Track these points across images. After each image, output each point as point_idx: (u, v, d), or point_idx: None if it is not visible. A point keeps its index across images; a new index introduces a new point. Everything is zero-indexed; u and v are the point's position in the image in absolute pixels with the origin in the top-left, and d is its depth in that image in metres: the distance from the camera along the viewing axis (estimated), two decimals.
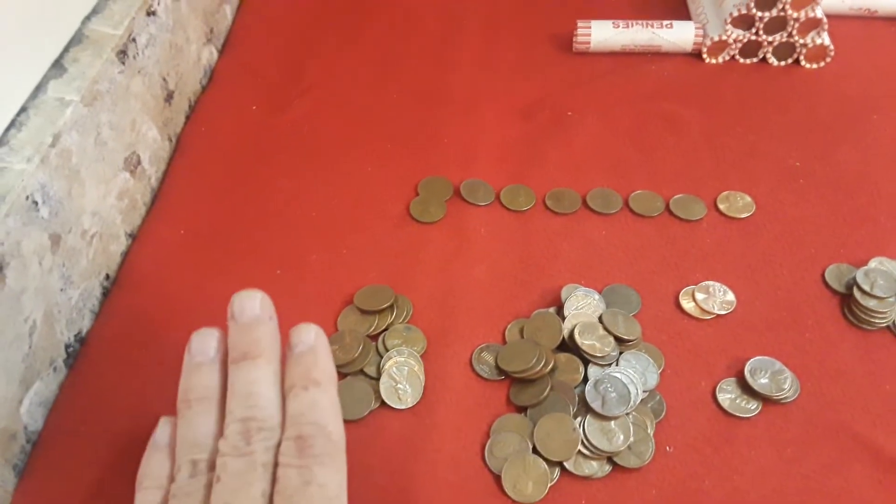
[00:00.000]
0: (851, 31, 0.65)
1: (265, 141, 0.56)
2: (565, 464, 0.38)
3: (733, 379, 0.42)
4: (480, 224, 0.50)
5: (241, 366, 0.30)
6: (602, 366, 0.42)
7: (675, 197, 0.51)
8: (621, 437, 0.38)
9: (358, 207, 0.51)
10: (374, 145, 0.56)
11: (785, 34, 0.61)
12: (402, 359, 0.42)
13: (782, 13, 0.59)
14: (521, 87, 0.61)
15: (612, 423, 0.39)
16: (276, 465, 0.28)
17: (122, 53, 0.47)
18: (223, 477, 0.28)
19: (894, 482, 0.38)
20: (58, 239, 0.41)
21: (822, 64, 0.62)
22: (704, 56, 0.63)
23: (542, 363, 0.41)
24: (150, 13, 0.51)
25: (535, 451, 0.39)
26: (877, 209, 0.51)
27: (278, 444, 0.29)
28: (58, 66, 0.44)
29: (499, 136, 0.56)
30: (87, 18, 0.48)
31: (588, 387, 0.40)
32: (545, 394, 0.40)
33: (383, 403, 0.41)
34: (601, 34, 0.62)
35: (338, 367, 0.39)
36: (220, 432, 0.29)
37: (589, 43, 0.63)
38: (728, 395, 0.41)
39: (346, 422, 0.31)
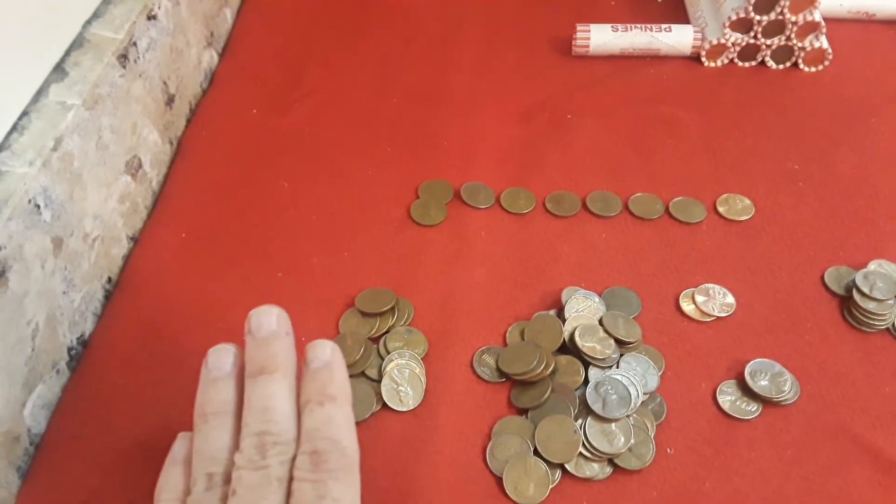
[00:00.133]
0: (849, 34, 0.65)
1: (266, 144, 0.56)
2: (566, 466, 0.38)
3: (733, 381, 0.42)
4: (481, 227, 0.50)
5: (258, 380, 0.30)
6: (603, 368, 0.42)
7: (675, 200, 0.52)
8: (622, 438, 0.39)
9: (359, 210, 0.51)
10: (374, 148, 0.56)
11: (783, 38, 0.61)
12: (404, 361, 0.42)
13: (781, 17, 0.60)
14: (521, 90, 0.61)
15: (613, 425, 0.39)
16: (290, 479, 0.28)
17: (123, 57, 0.48)
18: (238, 490, 0.28)
19: (894, 484, 0.38)
20: (60, 242, 0.41)
21: (821, 67, 0.62)
22: (703, 59, 0.63)
23: (543, 365, 0.41)
24: (151, 17, 0.51)
25: (536, 452, 0.39)
26: (875, 212, 0.51)
27: (293, 459, 0.29)
28: (59, 70, 0.44)
29: (499, 139, 0.57)
30: (88, 22, 0.48)
31: (589, 389, 0.41)
32: (546, 396, 0.40)
33: (385, 405, 0.41)
34: (600, 38, 0.62)
35: None
36: (236, 446, 0.29)
37: (588, 46, 0.63)
38: (728, 397, 0.41)
39: None
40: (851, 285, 0.45)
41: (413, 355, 0.43)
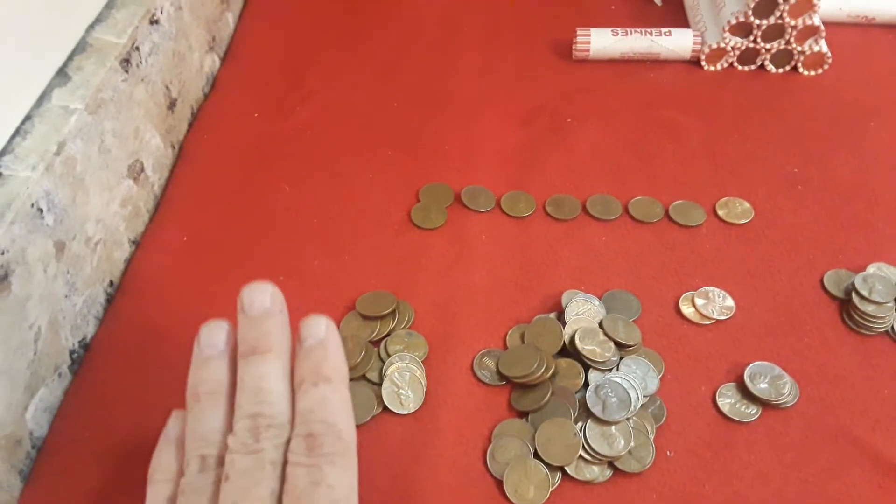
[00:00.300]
0: (849, 38, 0.65)
1: (267, 148, 0.57)
2: (566, 468, 0.38)
3: (733, 384, 0.42)
4: (481, 230, 0.51)
5: (251, 360, 0.29)
6: (602, 371, 0.42)
7: (675, 203, 0.52)
8: (622, 441, 0.39)
9: (360, 214, 0.52)
10: (375, 152, 0.56)
11: (783, 41, 0.61)
12: (404, 364, 0.42)
13: (780, 21, 0.60)
14: (522, 93, 0.61)
15: (613, 427, 0.39)
16: (285, 462, 0.28)
17: (126, 62, 0.48)
18: (232, 475, 0.27)
19: (893, 486, 0.38)
20: (62, 246, 0.41)
21: (820, 71, 0.63)
22: (703, 63, 0.63)
23: (543, 368, 0.41)
24: (153, 22, 0.52)
25: (536, 455, 0.39)
26: (874, 215, 0.51)
27: (288, 441, 0.28)
28: (62, 75, 0.45)
29: (499, 143, 0.57)
30: (91, 27, 0.48)
31: (589, 392, 0.41)
32: (546, 399, 0.40)
33: (385, 409, 0.41)
34: (600, 42, 0.63)
35: None
36: (230, 427, 0.29)
37: (588, 50, 0.63)
38: (728, 400, 0.42)
39: None
40: (851, 288, 0.46)
41: (414, 358, 0.43)
